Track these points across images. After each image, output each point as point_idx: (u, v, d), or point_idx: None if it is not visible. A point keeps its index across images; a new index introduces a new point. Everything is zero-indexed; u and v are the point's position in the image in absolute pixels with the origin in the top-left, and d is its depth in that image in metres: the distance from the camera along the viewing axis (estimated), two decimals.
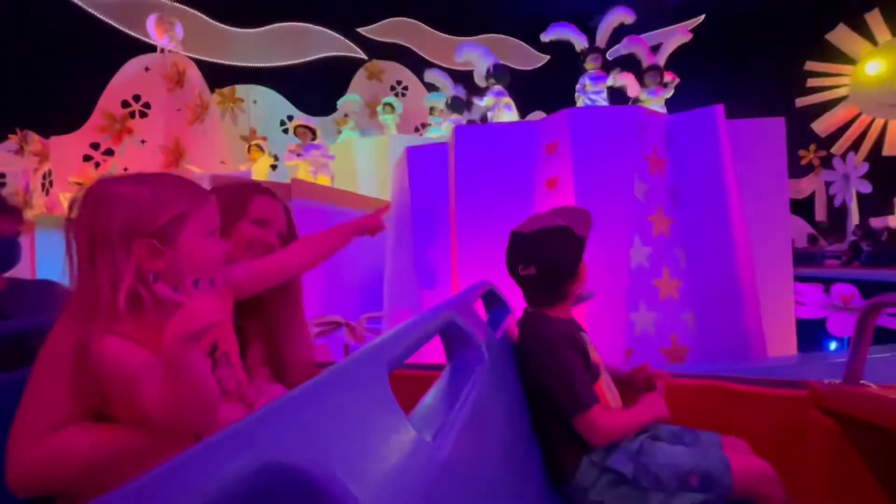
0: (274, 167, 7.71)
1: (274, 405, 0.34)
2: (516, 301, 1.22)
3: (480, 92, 4.40)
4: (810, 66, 12.51)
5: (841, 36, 12.00)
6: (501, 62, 4.40)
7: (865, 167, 11.12)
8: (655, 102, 4.03)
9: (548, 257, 1.01)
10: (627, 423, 0.94)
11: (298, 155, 4.64)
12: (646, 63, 4.23)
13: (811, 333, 4.61)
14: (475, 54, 4.23)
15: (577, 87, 4.15)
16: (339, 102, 8.34)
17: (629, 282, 2.85)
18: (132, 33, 8.55)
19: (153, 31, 6.73)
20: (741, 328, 2.85)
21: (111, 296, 0.58)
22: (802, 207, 12.92)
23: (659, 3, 13.10)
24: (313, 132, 4.79)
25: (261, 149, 4.85)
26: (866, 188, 10.96)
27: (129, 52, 7.38)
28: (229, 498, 0.25)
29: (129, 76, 7.36)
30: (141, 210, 0.61)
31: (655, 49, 4.64)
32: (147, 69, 7.41)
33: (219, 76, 10.12)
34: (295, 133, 4.72)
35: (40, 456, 0.57)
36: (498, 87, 4.31)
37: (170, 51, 6.81)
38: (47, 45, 8.86)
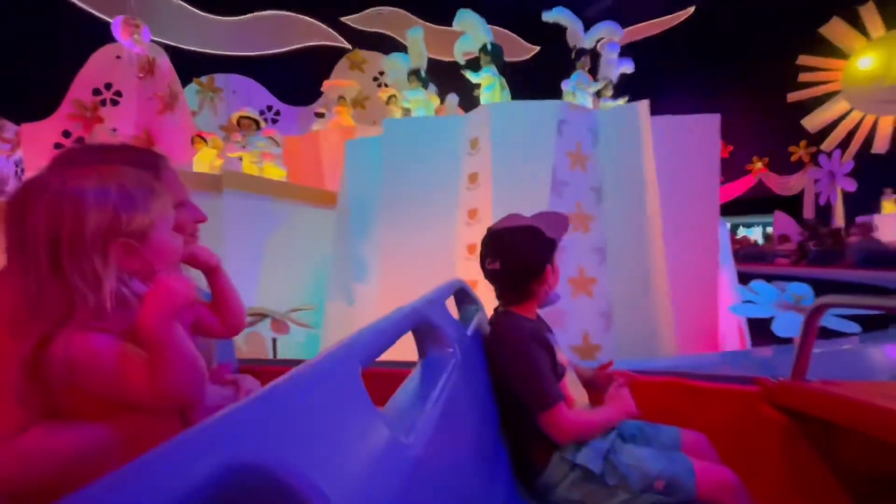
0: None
1: (243, 404, 0.33)
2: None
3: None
4: (803, 60, 12.30)
5: (834, 29, 11.77)
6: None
7: (850, 165, 10.96)
8: (583, 91, 3.89)
9: (512, 254, 1.04)
10: (593, 422, 0.97)
11: (243, 147, 4.61)
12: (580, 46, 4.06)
13: (765, 330, 4.60)
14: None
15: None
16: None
17: None
18: (106, 18, 8.48)
19: (119, 34, 6.67)
20: (652, 327, 2.84)
21: (94, 297, 0.57)
22: (792, 204, 12.80)
23: None
24: (258, 123, 4.75)
25: (203, 140, 4.82)
26: (851, 186, 10.82)
27: (101, 39, 7.36)
28: (198, 499, 0.24)
29: (100, 64, 7.34)
30: (114, 212, 0.59)
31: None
32: (119, 57, 7.38)
33: (198, 65, 10.09)
34: (238, 124, 4.69)
35: (3, 465, 0.55)
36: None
37: (137, 54, 6.73)
38: (19, 31, 8.82)
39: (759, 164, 13.65)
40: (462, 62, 3.93)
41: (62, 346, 0.55)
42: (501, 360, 1.01)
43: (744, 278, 5.38)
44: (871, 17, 11.39)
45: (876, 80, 11.33)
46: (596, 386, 1.14)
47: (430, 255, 3.19)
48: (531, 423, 0.95)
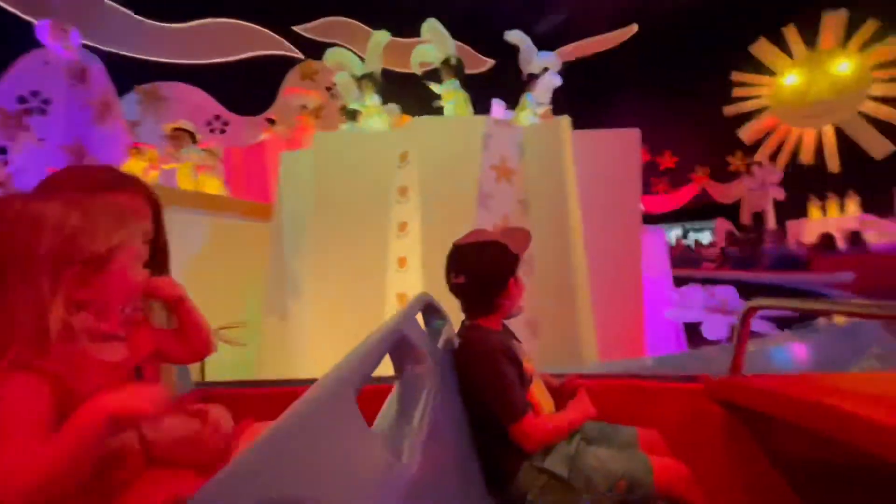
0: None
1: (263, 441, 0.34)
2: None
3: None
4: (736, 76, 13.17)
5: (762, 48, 12.69)
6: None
7: (780, 175, 11.80)
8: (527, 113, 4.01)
9: (476, 268, 1.08)
10: (558, 427, 1.02)
11: (177, 159, 4.46)
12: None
13: (697, 333, 4.84)
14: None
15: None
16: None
17: None
18: (30, 19, 8.02)
19: (45, 38, 6.31)
20: (575, 335, 2.93)
21: (36, 325, 0.53)
22: (731, 212, 13.60)
23: (593, 12, 13.50)
24: (192, 135, 4.61)
25: (139, 151, 4.63)
26: (780, 195, 11.63)
27: (27, 43, 6.94)
28: None
29: (26, 70, 6.93)
30: (71, 237, 0.56)
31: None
32: (47, 63, 6.99)
33: (142, 73, 9.69)
34: (171, 136, 4.53)
35: None
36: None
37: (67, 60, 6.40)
38: None
39: (700, 174, 14.43)
40: (419, 72, 3.90)
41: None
42: (471, 374, 1.03)
43: (677, 282, 5.66)
44: (793, 38, 12.37)
45: (799, 97, 12.27)
46: (562, 394, 1.18)
47: (362, 269, 3.17)
48: (501, 434, 0.99)
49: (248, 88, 9.97)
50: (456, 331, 1.18)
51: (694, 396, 1.19)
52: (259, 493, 0.29)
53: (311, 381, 1.36)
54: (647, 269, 6.18)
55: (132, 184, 0.85)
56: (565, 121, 3.16)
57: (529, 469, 0.98)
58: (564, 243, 3.01)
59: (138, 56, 9.74)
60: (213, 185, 4.61)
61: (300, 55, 11.02)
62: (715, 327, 4.69)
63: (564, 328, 2.96)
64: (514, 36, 4.19)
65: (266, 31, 11.00)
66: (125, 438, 0.60)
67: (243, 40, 10.80)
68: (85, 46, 7.13)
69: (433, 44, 3.81)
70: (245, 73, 10.62)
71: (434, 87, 3.78)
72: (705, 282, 5.23)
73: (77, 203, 0.60)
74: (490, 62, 13.52)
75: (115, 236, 0.61)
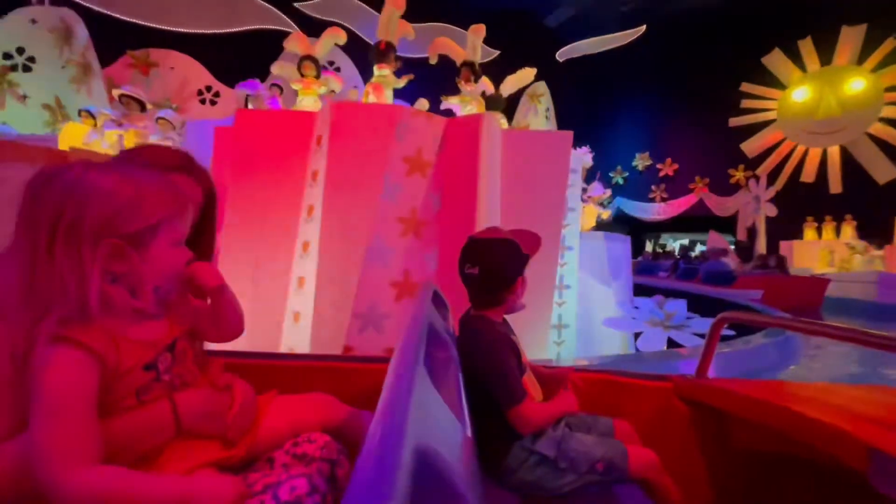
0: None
1: (392, 405, 0.41)
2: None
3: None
4: (745, 87, 12.78)
5: (775, 60, 12.27)
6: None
7: (772, 192, 11.47)
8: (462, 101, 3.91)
9: (491, 263, 1.14)
10: (548, 415, 1.12)
11: (119, 125, 4.45)
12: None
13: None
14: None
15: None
16: None
17: (362, 279, 2.84)
18: None
19: None
20: None
21: (77, 293, 0.55)
22: (728, 225, 13.31)
23: (610, 9, 13.16)
24: (142, 104, 4.60)
25: (91, 117, 4.62)
26: (772, 212, 11.32)
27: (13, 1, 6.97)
28: (409, 471, 0.31)
29: (12, 27, 6.98)
30: (118, 210, 0.59)
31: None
32: (34, 21, 7.04)
33: (139, 38, 9.72)
34: (120, 101, 4.53)
35: None
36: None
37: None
38: None
39: (700, 184, 14.13)
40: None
41: (42, 350, 0.54)
42: (475, 360, 1.10)
43: (636, 289, 5.69)
44: (808, 51, 11.93)
45: (808, 113, 11.87)
46: (548, 384, 1.27)
47: (272, 250, 3.16)
48: (496, 416, 1.08)
49: (243, 61, 9.94)
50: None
51: (663, 394, 1.31)
52: (411, 442, 0.34)
53: (331, 357, 1.37)
54: (610, 275, 6.10)
55: (194, 169, 0.88)
56: (487, 117, 3.08)
57: (520, 450, 1.09)
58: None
59: (131, 20, 9.75)
60: None
61: (297, 31, 10.94)
62: (652, 340, 4.62)
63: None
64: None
65: (266, 4, 10.93)
66: (160, 411, 0.64)
67: (242, 12, 10.76)
68: (78, 5, 7.16)
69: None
70: (241, 45, 10.59)
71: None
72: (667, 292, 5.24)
73: (131, 178, 0.61)
74: (495, 53, 13.32)
75: (159, 215, 0.63)
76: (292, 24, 11.12)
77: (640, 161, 15.24)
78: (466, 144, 3.13)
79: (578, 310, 5.09)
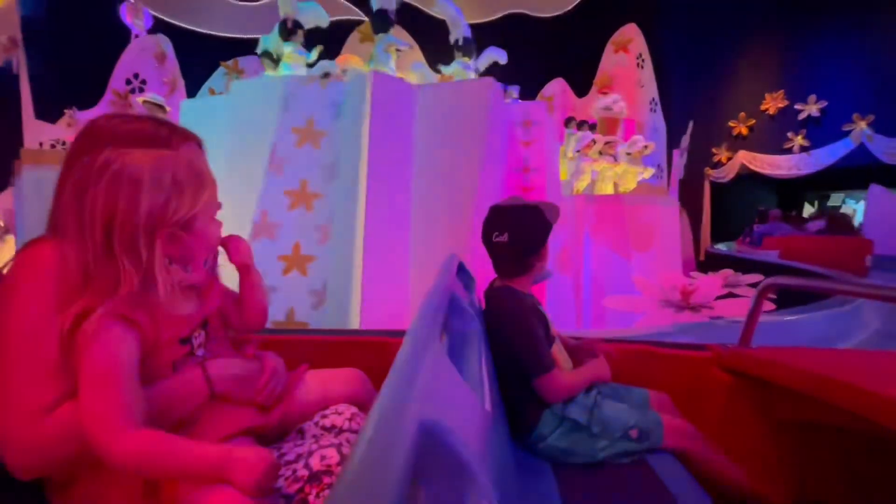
0: None
1: (399, 379, 0.38)
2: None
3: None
4: None
5: None
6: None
7: None
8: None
9: (520, 228, 1.15)
10: (577, 382, 1.12)
11: None
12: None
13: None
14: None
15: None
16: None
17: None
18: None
19: (125, 17, 7.77)
20: (347, 303, 2.75)
21: (132, 279, 0.59)
22: None
23: None
24: (162, 108, 5.27)
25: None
26: None
27: (108, 21, 8.56)
28: (417, 444, 0.30)
29: (130, 55, 8.66)
30: (166, 200, 0.63)
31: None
32: (143, 49, 8.62)
33: (217, 49, 11.10)
34: (144, 107, 5.24)
35: (42, 437, 0.57)
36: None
37: (136, 35, 7.80)
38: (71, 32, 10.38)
39: (861, 124, 10.78)
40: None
41: (95, 324, 0.57)
42: (504, 331, 1.11)
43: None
44: None
45: None
46: (577, 355, 1.26)
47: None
48: (526, 386, 1.08)
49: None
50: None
51: (702, 364, 1.25)
52: (417, 416, 0.32)
53: (360, 332, 1.65)
54: (654, 244, 5.17)
55: (195, 137, 0.81)
56: (369, 77, 2.82)
57: (550, 417, 1.07)
58: (352, 211, 2.80)
59: (213, 33, 11.14)
60: None
61: (363, 17, 11.28)
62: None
63: (349, 299, 2.81)
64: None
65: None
66: (192, 377, 0.66)
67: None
68: (165, 24, 8.46)
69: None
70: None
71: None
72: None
73: (166, 165, 0.64)
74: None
75: (200, 197, 0.67)
76: (358, 11, 11.49)
77: (772, 102, 12.24)
78: (358, 109, 2.92)
79: (583, 283, 4.44)
